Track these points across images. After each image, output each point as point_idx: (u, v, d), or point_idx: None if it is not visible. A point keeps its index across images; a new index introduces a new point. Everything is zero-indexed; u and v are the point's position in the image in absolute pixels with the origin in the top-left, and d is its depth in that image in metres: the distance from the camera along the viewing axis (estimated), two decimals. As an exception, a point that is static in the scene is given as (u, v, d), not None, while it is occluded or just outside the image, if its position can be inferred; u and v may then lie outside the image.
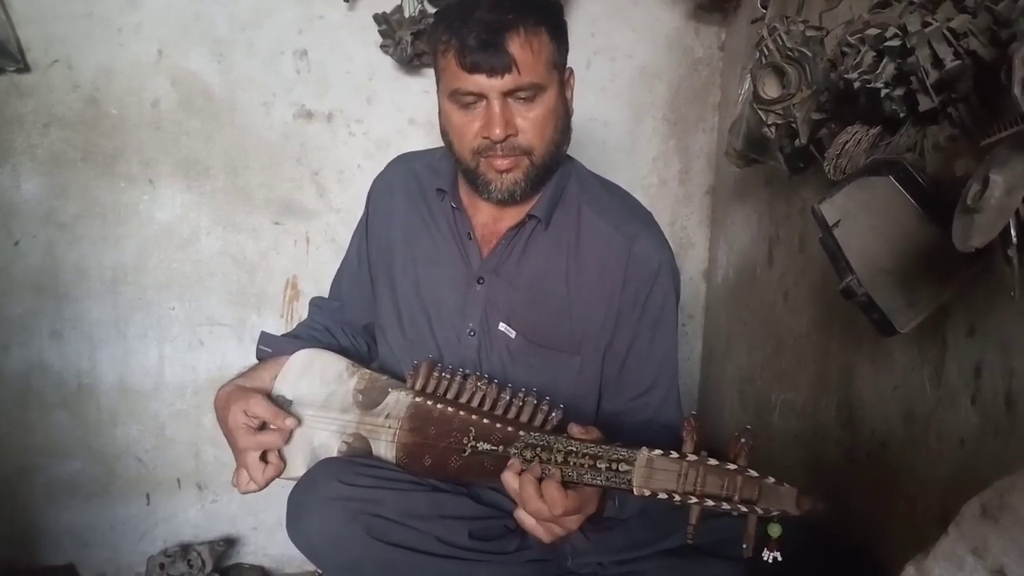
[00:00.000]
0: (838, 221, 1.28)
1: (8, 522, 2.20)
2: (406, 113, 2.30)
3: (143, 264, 2.22)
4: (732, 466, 0.98)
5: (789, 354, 1.90)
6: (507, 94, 1.26)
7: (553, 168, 1.37)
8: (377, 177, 1.60)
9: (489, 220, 1.43)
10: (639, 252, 1.39)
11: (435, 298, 1.45)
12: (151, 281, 2.23)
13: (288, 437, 1.34)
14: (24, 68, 2.06)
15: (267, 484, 1.34)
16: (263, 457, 1.33)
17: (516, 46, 1.23)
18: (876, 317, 1.25)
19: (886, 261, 1.22)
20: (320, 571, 1.37)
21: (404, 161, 1.59)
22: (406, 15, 2.14)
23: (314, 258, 2.31)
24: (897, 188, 1.17)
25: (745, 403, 2.16)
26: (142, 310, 2.23)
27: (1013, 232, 0.92)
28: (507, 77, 1.24)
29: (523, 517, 1.13)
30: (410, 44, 2.11)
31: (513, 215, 1.41)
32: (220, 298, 2.28)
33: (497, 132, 1.26)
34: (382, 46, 2.18)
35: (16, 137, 2.11)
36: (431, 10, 2.16)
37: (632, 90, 2.40)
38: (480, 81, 1.25)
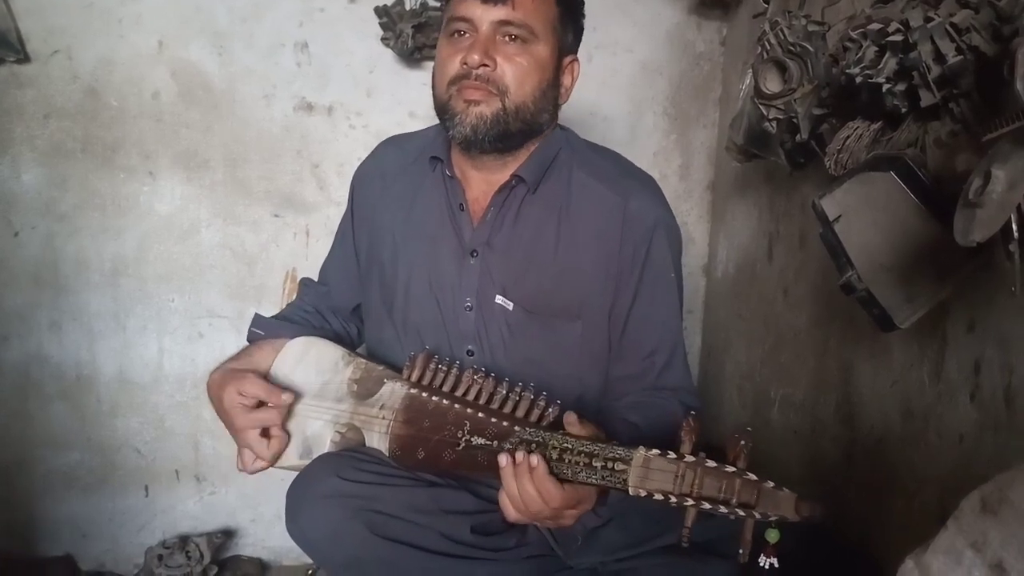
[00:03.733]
0: (839, 216, 1.28)
1: (6, 513, 2.21)
2: (406, 106, 2.30)
3: (143, 256, 2.22)
4: (731, 468, 0.96)
5: (788, 350, 1.90)
6: (497, 28, 1.28)
7: (527, 131, 1.35)
8: (363, 162, 1.59)
9: (480, 193, 1.42)
10: (634, 210, 1.37)
11: (430, 274, 1.43)
12: (151, 273, 2.23)
13: (287, 413, 1.32)
14: (24, 59, 2.06)
15: (275, 460, 1.32)
16: (265, 434, 1.31)
17: None
18: (876, 313, 1.25)
19: (886, 257, 1.22)
20: (317, 566, 1.37)
21: (394, 143, 1.58)
22: (407, 8, 2.14)
23: (314, 251, 2.30)
24: (898, 183, 1.17)
25: (744, 398, 2.16)
26: (142, 302, 2.23)
27: (1015, 227, 0.91)
28: (500, 7, 1.27)
29: (512, 512, 1.12)
30: (411, 37, 2.10)
31: (501, 183, 1.39)
32: (220, 290, 2.28)
33: (475, 57, 1.27)
34: (383, 39, 2.18)
35: (16, 128, 2.10)
36: (432, 3, 2.16)
37: (633, 85, 2.40)
38: (472, 7, 1.28)
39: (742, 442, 0.98)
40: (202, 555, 2.20)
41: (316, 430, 1.33)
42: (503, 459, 1.10)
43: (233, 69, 2.20)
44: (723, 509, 0.95)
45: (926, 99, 1.13)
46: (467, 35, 1.30)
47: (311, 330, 1.49)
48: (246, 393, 1.29)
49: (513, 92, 1.30)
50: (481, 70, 1.28)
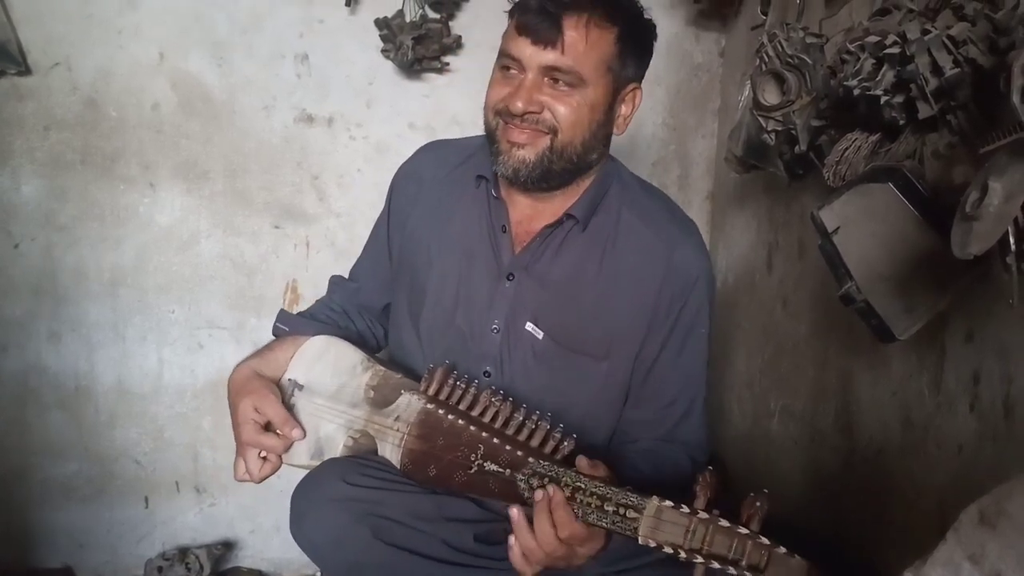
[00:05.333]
0: (837, 227, 1.28)
1: (4, 523, 2.20)
2: (406, 117, 2.30)
3: (142, 267, 2.22)
4: (743, 530, 0.95)
5: (788, 360, 1.90)
6: (545, 72, 1.25)
7: (574, 170, 1.33)
8: (403, 165, 1.56)
9: (524, 218, 1.40)
10: (679, 260, 1.36)
11: (461, 291, 1.41)
12: (150, 284, 2.23)
13: (289, 446, 1.31)
14: (25, 71, 2.06)
15: (263, 480, 1.31)
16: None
17: (571, 26, 1.23)
18: (875, 323, 1.26)
19: (885, 268, 1.22)
20: (321, 572, 1.36)
21: (435, 149, 1.56)
22: (407, 20, 2.15)
23: (314, 262, 2.31)
24: (896, 195, 1.17)
25: (744, 408, 2.16)
26: (141, 313, 2.23)
27: (1012, 239, 0.92)
28: (549, 52, 1.23)
29: (526, 568, 1.11)
30: (411, 49, 2.11)
31: (551, 212, 1.38)
32: (219, 301, 2.28)
33: (518, 105, 1.24)
34: (383, 50, 2.19)
35: (16, 139, 2.11)
36: (432, 15, 2.17)
37: (632, 95, 2.40)
38: (523, 47, 1.24)
39: (757, 504, 0.97)
40: (202, 567, 2.19)
41: (329, 432, 1.32)
42: (515, 512, 1.10)
43: (233, 80, 2.21)
44: (732, 570, 0.94)
45: (924, 111, 1.13)
46: (516, 73, 1.27)
47: (335, 330, 1.47)
48: (262, 412, 1.28)
49: (565, 132, 1.27)
50: (527, 115, 1.26)
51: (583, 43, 1.24)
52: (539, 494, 1.08)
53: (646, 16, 1.34)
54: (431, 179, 1.49)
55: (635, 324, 1.36)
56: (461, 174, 1.46)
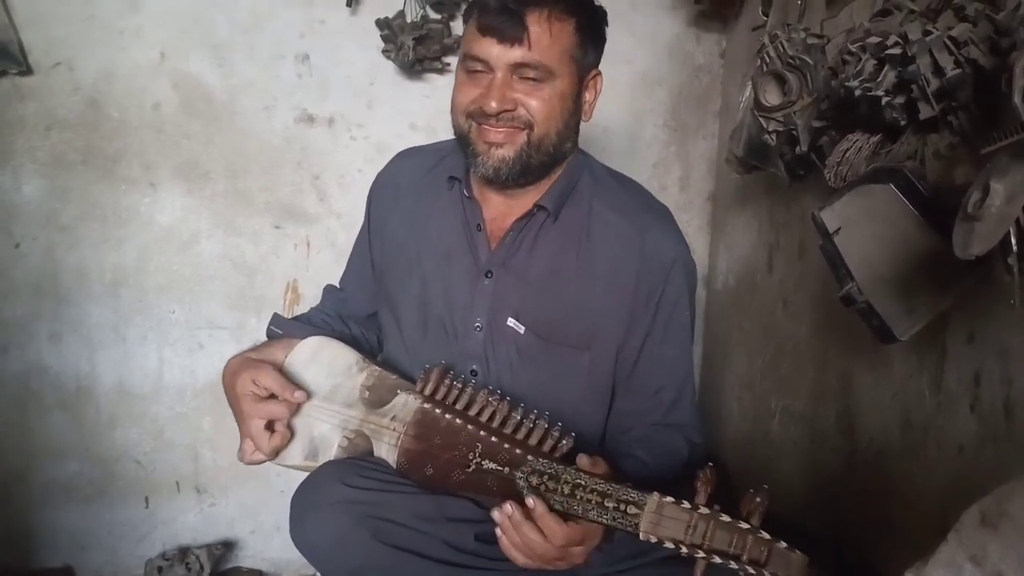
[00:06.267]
0: (838, 228, 1.28)
1: (5, 524, 2.20)
2: (407, 118, 2.30)
3: (143, 267, 2.22)
4: (744, 525, 0.96)
5: (788, 361, 1.90)
6: (514, 69, 1.26)
7: (551, 161, 1.35)
8: (380, 173, 1.58)
9: (498, 215, 1.42)
10: (652, 247, 1.37)
11: (442, 292, 1.42)
12: (151, 284, 2.23)
13: (296, 410, 1.30)
14: (26, 71, 2.06)
15: (274, 455, 1.30)
16: (269, 427, 1.29)
17: (534, 22, 1.25)
18: (876, 324, 1.25)
19: (886, 268, 1.22)
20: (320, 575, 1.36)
21: (409, 156, 1.57)
22: (408, 20, 2.15)
23: (314, 262, 2.31)
24: (898, 196, 1.17)
25: (744, 409, 2.16)
26: (142, 313, 2.23)
27: (1013, 240, 0.92)
28: (516, 49, 1.25)
29: (520, 559, 1.12)
30: (412, 49, 2.11)
31: (523, 207, 1.39)
32: (220, 302, 2.28)
33: (492, 104, 1.26)
34: (384, 51, 2.19)
35: (17, 139, 2.11)
36: (433, 15, 2.17)
37: (633, 96, 2.41)
38: (489, 47, 1.26)
39: (757, 499, 0.97)
40: (202, 567, 2.19)
41: (323, 432, 1.32)
42: (497, 515, 1.11)
43: (234, 81, 2.21)
44: (733, 564, 0.95)
45: (925, 112, 1.13)
46: (483, 74, 1.29)
47: (330, 332, 1.48)
48: (260, 383, 1.28)
49: (540, 125, 1.29)
50: (502, 114, 1.27)
51: (547, 37, 1.26)
52: (530, 501, 1.09)
53: (597, 3, 1.38)
54: (407, 184, 1.51)
55: (615, 314, 1.38)
56: (435, 177, 1.48)
